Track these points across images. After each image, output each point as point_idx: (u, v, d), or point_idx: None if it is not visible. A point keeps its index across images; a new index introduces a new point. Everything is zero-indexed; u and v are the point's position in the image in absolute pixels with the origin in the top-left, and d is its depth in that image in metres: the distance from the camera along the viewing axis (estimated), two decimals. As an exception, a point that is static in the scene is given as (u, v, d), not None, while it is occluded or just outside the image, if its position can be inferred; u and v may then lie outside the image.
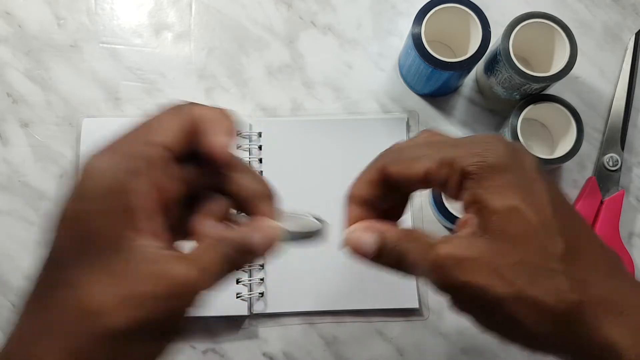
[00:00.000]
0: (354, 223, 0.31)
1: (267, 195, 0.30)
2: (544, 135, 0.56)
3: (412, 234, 0.29)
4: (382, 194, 0.31)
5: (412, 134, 0.56)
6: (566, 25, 0.50)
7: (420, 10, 0.51)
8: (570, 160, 0.51)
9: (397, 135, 0.55)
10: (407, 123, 0.56)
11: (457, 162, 0.27)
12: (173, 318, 0.26)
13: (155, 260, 0.25)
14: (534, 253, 0.25)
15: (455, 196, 0.28)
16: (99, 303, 0.24)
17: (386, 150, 0.31)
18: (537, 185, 0.26)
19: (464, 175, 0.27)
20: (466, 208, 0.28)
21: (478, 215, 0.27)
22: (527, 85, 0.50)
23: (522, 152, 0.28)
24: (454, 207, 0.51)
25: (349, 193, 0.32)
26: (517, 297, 0.25)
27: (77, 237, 0.26)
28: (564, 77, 0.49)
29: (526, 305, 0.25)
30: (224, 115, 0.29)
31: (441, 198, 0.52)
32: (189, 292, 0.26)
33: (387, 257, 0.29)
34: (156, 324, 0.25)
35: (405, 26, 0.55)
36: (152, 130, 0.28)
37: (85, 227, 0.26)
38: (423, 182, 0.29)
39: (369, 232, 0.29)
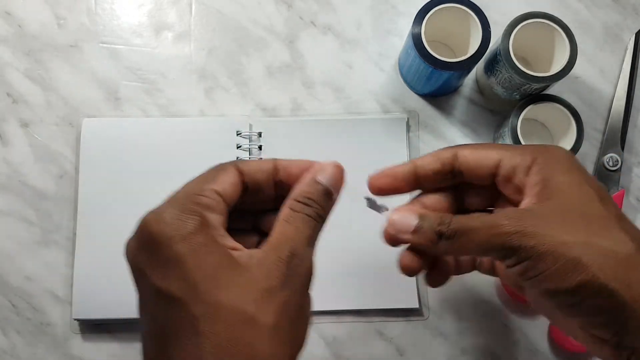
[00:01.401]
0: (399, 188, 0.35)
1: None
2: (544, 135, 0.56)
3: (462, 215, 0.32)
4: (439, 174, 0.34)
5: (412, 134, 0.56)
6: (566, 25, 0.50)
7: (420, 10, 0.51)
8: (570, 160, 0.51)
9: (397, 135, 0.55)
10: (407, 123, 0.56)
11: (530, 151, 0.32)
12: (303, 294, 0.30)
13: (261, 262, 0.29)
14: (596, 212, 0.30)
15: (521, 183, 0.32)
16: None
17: (457, 145, 0.35)
18: (593, 177, 0.32)
19: (534, 161, 0.31)
20: (527, 193, 0.32)
21: (541, 188, 0.31)
22: (527, 85, 0.50)
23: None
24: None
25: (413, 162, 0.35)
26: (585, 243, 0.28)
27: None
28: (564, 77, 0.49)
29: (592, 250, 0.28)
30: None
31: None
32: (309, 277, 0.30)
33: (429, 233, 0.32)
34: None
35: (405, 26, 0.55)
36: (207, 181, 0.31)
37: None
38: (493, 168, 0.33)
39: (410, 212, 0.33)
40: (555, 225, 0.29)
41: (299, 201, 0.31)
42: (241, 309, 0.26)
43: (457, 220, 0.31)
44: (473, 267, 0.39)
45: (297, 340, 0.29)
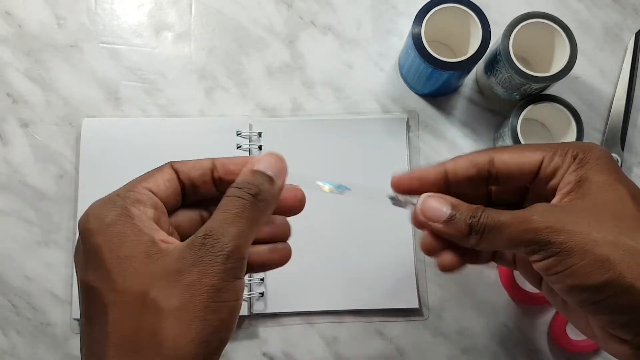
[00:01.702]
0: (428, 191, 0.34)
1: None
2: (544, 135, 0.56)
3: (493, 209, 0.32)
4: (472, 180, 0.34)
5: (412, 134, 0.56)
6: (566, 25, 0.50)
7: (420, 10, 0.51)
8: (570, 160, 0.51)
9: (397, 135, 0.55)
10: (407, 123, 0.56)
11: (573, 149, 0.32)
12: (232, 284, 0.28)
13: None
14: (628, 212, 0.30)
15: (557, 182, 0.32)
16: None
17: (490, 148, 0.35)
18: (623, 175, 0.32)
19: (576, 160, 0.31)
20: (564, 188, 0.32)
21: (578, 186, 0.31)
22: (527, 85, 0.50)
23: None
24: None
25: (443, 164, 0.34)
26: (614, 242, 0.28)
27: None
28: (564, 77, 0.49)
29: (621, 249, 0.28)
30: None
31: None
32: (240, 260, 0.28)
33: (460, 224, 0.32)
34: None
35: (405, 26, 0.55)
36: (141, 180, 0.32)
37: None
38: (535, 169, 0.33)
39: (443, 201, 0.33)
40: (585, 223, 0.29)
41: (232, 187, 0.30)
42: (145, 295, 0.26)
43: (489, 214, 0.31)
44: (491, 258, 0.38)
45: (211, 322, 0.27)
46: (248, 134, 0.55)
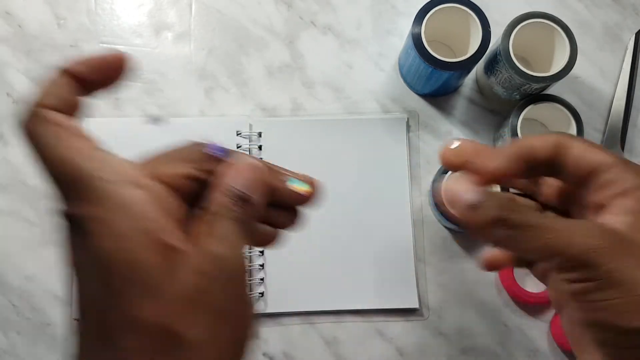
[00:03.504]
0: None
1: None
2: (544, 135, 0.56)
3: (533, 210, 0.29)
4: (543, 164, 0.29)
5: (412, 134, 0.56)
6: (566, 25, 0.50)
7: (420, 10, 0.51)
8: (570, 160, 0.51)
9: (397, 135, 0.55)
10: (407, 123, 0.56)
11: (632, 169, 0.28)
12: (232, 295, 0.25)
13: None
14: None
15: (612, 198, 0.28)
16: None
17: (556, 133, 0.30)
18: None
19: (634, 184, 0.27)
20: (620, 209, 0.28)
21: (635, 216, 0.27)
22: (527, 85, 0.50)
23: None
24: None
25: (517, 142, 0.29)
26: None
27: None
28: (564, 77, 0.49)
29: None
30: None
31: (441, 199, 0.52)
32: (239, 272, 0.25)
33: (489, 213, 0.27)
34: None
35: (405, 26, 0.55)
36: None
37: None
38: (599, 166, 0.28)
39: (472, 185, 0.28)
40: (631, 255, 0.26)
41: (212, 206, 0.26)
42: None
43: (527, 210, 0.27)
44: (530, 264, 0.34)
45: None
46: (248, 134, 0.55)
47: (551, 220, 0.27)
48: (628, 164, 0.28)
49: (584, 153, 0.28)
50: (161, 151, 0.28)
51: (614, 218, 0.27)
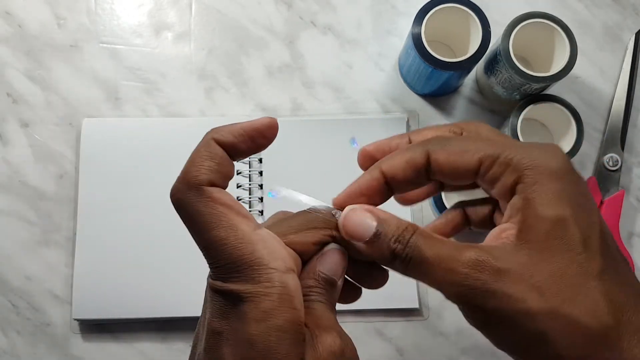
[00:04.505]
0: (363, 197, 0.29)
1: None
2: (544, 135, 0.56)
3: (428, 232, 0.27)
4: (412, 181, 0.28)
5: (412, 134, 0.56)
6: (566, 25, 0.50)
7: (420, 10, 0.51)
8: (570, 160, 0.51)
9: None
10: (407, 123, 0.56)
11: (515, 163, 0.26)
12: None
13: None
14: (574, 268, 0.24)
15: (503, 196, 0.27)
16: None
17: (430, 139, 0.29)
18: (588, 203, 0.26)
19: (519, 178, 0.26)
20: (508, 215, 0.27)
21: (521, 222, 0.25)
22: (527, 85, 0.50)
23: (575, 168, 0.27)
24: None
25: (378, 166, 0.29)
26: (552, 313, 0.23)
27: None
28: (564, 77, 0.49)
29: (560, 323, 0.23)
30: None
31: (441, 199, 0.52)
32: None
33: (384, 247, 0.26)
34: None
35: (405, 26, 0.55)
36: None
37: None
38: (471, 175, 0.27)
39: (370, 215, 0.27)
40: (523, 283, 0.24)
41: (305, 288, 0.28)
42: None
43: (417, 242, 0.26)
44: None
45: None
46: (248, 134, 0.55)
47: (433, 249, 0.25)
48: (499, 152, 0.26)
49: (444, 162, 0.27)
50: (288, 217, 0.29)
51: (505, 226, 0.26)
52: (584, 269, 0.24)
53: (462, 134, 0.30)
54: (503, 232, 0.26)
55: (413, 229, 0.26)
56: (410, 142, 0.30)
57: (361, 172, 0.31)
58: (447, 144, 0.28)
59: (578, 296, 0.24)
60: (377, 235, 0.26)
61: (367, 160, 0.31)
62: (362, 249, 0.27)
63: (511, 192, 0.26)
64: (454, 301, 0.26)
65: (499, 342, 0.26)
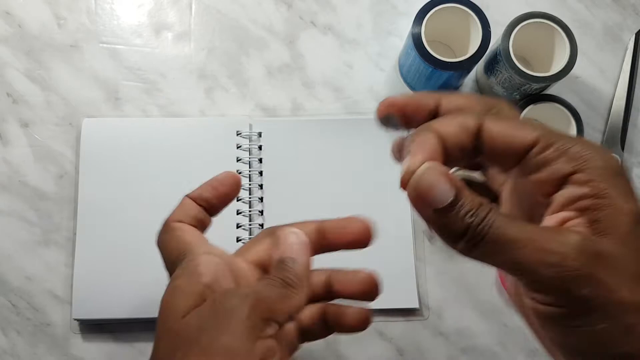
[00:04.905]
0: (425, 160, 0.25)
1: None
2: (544, 135, 0.56)
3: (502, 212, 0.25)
4: (463, 149, 0.25)
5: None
6: (566, 25, 0.50)
7: (420, 10, 0.51)
8: (570, 160, 0.51)
9: (397, 135, 0.55)
10: (407, 123, 0.56)
11: (573, 153, 0.24)
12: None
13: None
14: None
15: (548, 182, 0.25)
16: None
17: (481, 110, 0.27)
18: None
19: (577, 169, 0.24)
20: (561, 204, 0.24)
21: (594, 213, 0.23)
22: (527, 85, 0.50)
23: None
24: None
25: (430, 126, 0.26)
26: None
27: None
28: (564, 77, 0.49)
29: None
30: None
31: None
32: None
33: (457, 219, 0.23)
34: None
35: (405, 26, 0.55)
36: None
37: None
38: (523, 152, 0.24)
39: (444, 179, 0.23)
40: (618, 273, 0.23)
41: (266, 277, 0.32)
42: None
43: (496, 220, 0.23)
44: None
45: None
46: (248, 134, 0.55)
47: (520, 229, 0.23)
48: (556, 138, 0.24)
49: (498, 135, 0.25)
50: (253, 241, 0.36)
51: (563, 215, 0.24)
52: None
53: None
54: (565, 221, 0.24)
55: (489, 205, 0.23)
56: (441, 104, 0.28)
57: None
58: (502, 116, 0.26)
59: None
60: (452, 204, 0.23)
61: (392, 111, 0.29)
62: (429, 218, 0.24)
63: (561, 180, 0.24)
64: (535, 287, 0.23)
65: (570, 334, 0.24)
